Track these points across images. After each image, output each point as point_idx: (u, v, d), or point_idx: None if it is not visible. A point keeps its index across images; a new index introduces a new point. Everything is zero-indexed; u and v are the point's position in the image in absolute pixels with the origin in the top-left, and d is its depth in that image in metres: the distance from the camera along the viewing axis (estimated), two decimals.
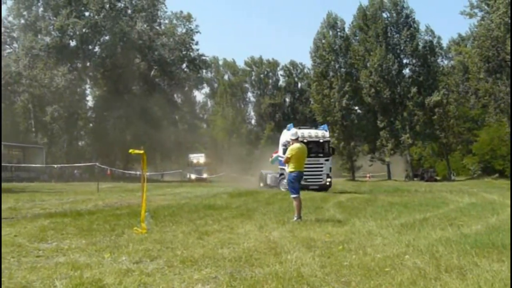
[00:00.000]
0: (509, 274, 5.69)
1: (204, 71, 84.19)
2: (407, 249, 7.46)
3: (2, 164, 37.51)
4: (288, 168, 12.54)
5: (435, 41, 67.03)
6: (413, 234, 9.18)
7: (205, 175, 58.78)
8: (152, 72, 71.46)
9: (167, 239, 8.60)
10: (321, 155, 30.38)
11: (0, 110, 53.78)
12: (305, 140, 28.77)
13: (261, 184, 34.40)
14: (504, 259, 6.68)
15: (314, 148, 29.56)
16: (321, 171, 30.28)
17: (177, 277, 5.71)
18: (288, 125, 30.69)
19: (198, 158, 63.49)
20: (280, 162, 30.85)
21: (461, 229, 9.96)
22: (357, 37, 67.10)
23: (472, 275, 5.70)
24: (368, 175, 69.27)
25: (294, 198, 12.21)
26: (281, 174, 30.15)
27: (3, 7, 60.86)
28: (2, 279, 5.46)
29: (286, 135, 30.42)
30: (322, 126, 33.34)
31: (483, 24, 55.15)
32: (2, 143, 42.42)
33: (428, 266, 6.15)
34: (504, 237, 8.55)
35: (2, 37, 59.66)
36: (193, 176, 57.31)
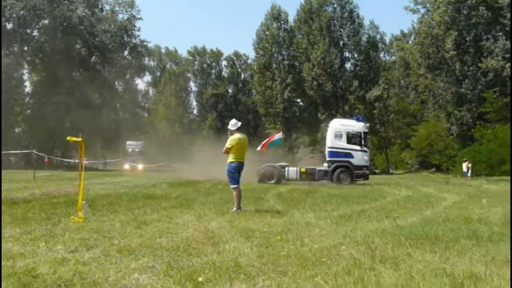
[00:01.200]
0: (440, 264, 5.88)
1: (146, 59, 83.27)
2: (344, 240, 7.58)
3: None
4: (229, 159, 12.46)
5: (378, 36, 68.23)
6: (351, 225, 9.34)
7: (140, 165, 55.69)
8: (93, 59, 70.07)
9: (104, 228, 8.49)
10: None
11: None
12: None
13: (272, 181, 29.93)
14: (436, 249, 6.88)
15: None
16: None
17: (114, 267, 5.65)
18: (358, 116, 31.63)
19: (135, 146, 61.04)
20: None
21: (397, 221, 10.20)
22: (301, 30, 67.44)
23: (405, 265, 5.85)
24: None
25: (233, 188, 12.20)
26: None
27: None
28: None
29: (352, 124, 30.89)
30: (358, 117, 33.40)
31: (424, 21, 56.45)
32: None
33: (363, 257, 6.27)
34: (438, 229, 8.82)
35: None
36: (126, 166, 54.34)
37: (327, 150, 31.14)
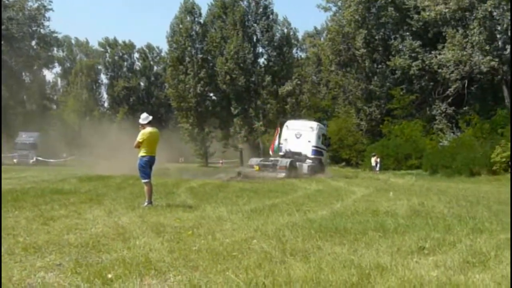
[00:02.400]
0: (349, 256, 6.04)
1: (55, 49, 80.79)
2: (255, 234, 7.65)
3: None
4: (140, 153, 12.27)
5: (291, 32, 68.98)
6: (262, 219, 9.44)
7: (32, 159, 51.46)
8: None
9: (8, 225, 8.18)
10: None
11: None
12: None
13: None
14: (345, 242, 7.07)
15: None
16: None
17: (18, 265, 5.47)
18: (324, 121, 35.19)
19: (25, 138, 55.37)
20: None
21: (307, 214, 10.40)
22: (215, 24, 67.25)
23: (315, 257, 5.97)
24: (221, 161, 70.12)
25: (145, 183, 12.07)
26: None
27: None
28: None
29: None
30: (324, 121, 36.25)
31: (335, 19, 57.70)
32: None
33: (274, 250, 6.35)
34: (347, 222, 9.07)
35: None
36: (14, 160, 51.00)
37: (312, 148, 33.28)
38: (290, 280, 4.89)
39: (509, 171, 28.90)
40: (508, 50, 42.54)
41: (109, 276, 5.03)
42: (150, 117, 12.65)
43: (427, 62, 46.93)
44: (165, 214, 10.06)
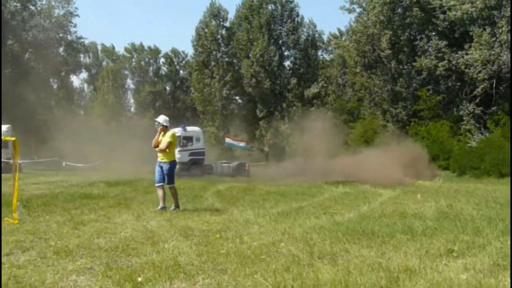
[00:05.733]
0: (376, 259, 6.03)
1: (82, 55, 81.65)
2: (283, 237, 7.67)
3: None
4: (170, 156, 12.25)
5: (316, 35, 68.83)
6: (289, 222, 9.46)
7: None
8: (26, 55, 68.23)
9: (40, 230, 8.32)
10: None
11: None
12: None
13: None
14: (373, 244, 7.05)
15: None
16: None
17: (51, 269, 5.56)
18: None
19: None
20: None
21: (334, 217, 10.38)
22: (241, 27, 67.35)
23: (342, 260, 5.97)
24: (247, 164, 70.24)
25: (172, 187, 12.12)
26: None
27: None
28: None
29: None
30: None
31: (360, 20, 57.36)
32: None
33: (302, 253, 6.36)
34: (374, 225, 9.03)
35: None
36: None
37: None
38: (319, 283, 4.90)
39: None
40: None
41: (139, 279, 5.09)
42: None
43: (453, 62, 46.41)
44: (193, 218, 10.13)
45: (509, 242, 7.14)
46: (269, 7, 64.97)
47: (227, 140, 38.89)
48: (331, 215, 10.65)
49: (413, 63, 50.48)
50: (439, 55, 47.71)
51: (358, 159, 33.09)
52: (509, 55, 41.99)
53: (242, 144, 40.85)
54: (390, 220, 9.88)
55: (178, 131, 36.39)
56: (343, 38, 72.16)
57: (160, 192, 12.01)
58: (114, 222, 9.49)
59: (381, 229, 8.41)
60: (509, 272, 5.46)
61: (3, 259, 5.98)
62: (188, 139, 37.67)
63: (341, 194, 17.45)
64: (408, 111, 52.90)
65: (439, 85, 50.11)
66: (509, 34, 41.77)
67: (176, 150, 35.81)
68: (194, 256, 6.21)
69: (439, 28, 48.75)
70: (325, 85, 63.66)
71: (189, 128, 38.62)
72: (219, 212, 11.35)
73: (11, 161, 36.56)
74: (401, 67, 54.29)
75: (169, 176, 12.14)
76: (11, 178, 13.00)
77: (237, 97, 69.36)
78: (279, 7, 64.93)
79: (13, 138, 10.13)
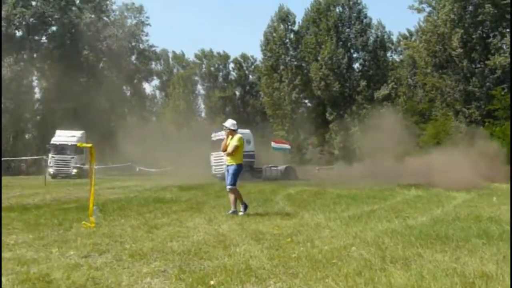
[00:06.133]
0: (451, 264, 5.89)
1: (153, 63, 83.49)
2: (354, 241, 7.61)
3: None
4: (237, 159, 12.24)
5: (385, 36, 68.05)
6: (360, 226, 9.36)
7: (74, 170, 42.11)
8: (101, 64, 70.41)
9: (115, 233, 8.56)
10: None
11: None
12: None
13: None
14: (447, 249, 6.89)
15: None
16: None
17: (126, 271, 5.71)
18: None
19: (66, 140, 43.26)
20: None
21: (406, 220, 10.21)
22: (309, 30, 67.25)
23: (415, 265, 5.87)
24: (317, 168, 69.88)
25: (234, 190, 12.09)
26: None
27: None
28: None
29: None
30: None
31: (430, 20, 56.26)
32: None
33: (374, 257, 6.29)
34: (448, 228, 8.83)
35: None
36: (50, 170, 40.51)
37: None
38: None
39: None
40: None
41: (212, 282, 5.16)
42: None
43: None
44: (264, 222, 10.16)
45: None
46: (337, 10, 64.68)
47: (273, 144, 39.01)
48: (404, 219, 10.48)
49: (486, 62, 49.07)
50: None
51: (431, 161, 32.32)
52: None
53: (287, 146, 40.99)
54: (465, 224, 9.65)
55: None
56: (413, 38, 70.80)
57: (231, 196, 12.06)
58: (187, 226, 9.64)
59: (455, 233, 8.23)
60: None
61: (82, 261, 6.19)
62: None
63: (414, 197, 17.14)
64: (482, 111, 51.40)
65: None
66: None
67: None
68: (266, 260, 6.23)
69: None
70: (395, 86, 62.76)
71: (240, 130, 38.21)
72: (289, 216, 11.33)
73: (86, 166, 37.83)
74: (473, 66, 52.83)
75: (231, 177, 12.10)
76: (87, 183, 13.40)
77: (306, 101, 69.33)
78: (347, 9, 64.53)
79: (90, 145, 10.46)
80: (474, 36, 51.33)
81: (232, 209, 11.82)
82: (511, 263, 5.10)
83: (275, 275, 5.47)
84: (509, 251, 6.67)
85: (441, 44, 53.32)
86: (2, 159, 47.67)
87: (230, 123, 12.60)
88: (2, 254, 6.73)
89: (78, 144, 11.54)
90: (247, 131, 39.57)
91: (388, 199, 16.17)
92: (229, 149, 12.24)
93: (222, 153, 37.51)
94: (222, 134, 37.55)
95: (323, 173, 49.10)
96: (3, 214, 11.31)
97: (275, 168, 39.32)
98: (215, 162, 38.12)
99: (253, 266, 5.87)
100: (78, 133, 44.22)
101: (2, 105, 58.07)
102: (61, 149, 43.06)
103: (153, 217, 11.02)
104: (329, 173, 47.20)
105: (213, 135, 39.19)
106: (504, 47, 47.66)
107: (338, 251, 6.75)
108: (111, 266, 5.97)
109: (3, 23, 60.12)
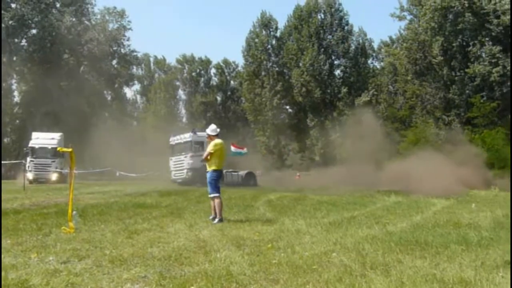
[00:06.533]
0: (430, 270, 5.94)
1: (135, 67, 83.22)
2: (335, 247, 7.64)
3: None
4: (210, 166, 12.01)
5: (366, 43, 68.50)
6: (341, 232, 9.41)
7: (55, 174, 40.49)
8: (82, 68, 70.01)
9: (95, 239, 8.51)
10: None
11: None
12: None
13: None
14: (426, 255, 6.94)
15: None
16: None
17: (106, 277, 5.68)
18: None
19: (45, 142, 41.91)
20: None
21: (387, 227, 10.28)
22: (291, 37, 67.47)
23: (396, 271, 5.91)
24: (298, 174, 70.06)
25: (214, 197, 11.85)
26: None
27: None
28: None
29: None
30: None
31: (411, 27, 56.73)
32: None
33: (354, 263, 6.32)
34: (427, 235, 8.90)
35: None
36: (29, 175, 38.10)
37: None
38: None
39: None
40: None
41: None
42: (218, 129, 12.56)
43: (508, 68, 45.41)
44: (245, 228, 10.16)
45: None
46: (319, 16, 64.97)
47: (232, 148, 38.63)
48: (384, 225, 10.55)
49: (466, 70, 49.57)
50: (493, 60, 46.76)
51: (410, 167, 32.53)
52: None
53: (244, 150, 40.76)
54: (444, 230, 9.73)
55: (189, 136, 36.81)
56: (394, 46, 71.37)
57: (211, 203, 11.99)
58: (167, 231, 9.62)
59: (434, 239, 8.30)
60: None
61: (61, 267, 6.15)
62: (200, 144, 36.01)
63: (393, 204, 17.24)
64: (462, 118, 51.95)
65: (494, 91, 49.04)
66: None
67: (188, 156, 35.52)
68: (246, 266, 6.24)
69: (493, 33, 47.76)
70: (375, 93, 63.14)
71: (199, 133, 36.94)
72: (270, 221, 11.35)
73: (65, 170, 37.28)
74: (453, 73, 53.36)
75: (209, 185, 11.97)
76: (67, 188, 13.31)
77: (287, 107, 69.46)
78: (329, 16, 64.84)
79: (70, 149, 10.38)
80: (454, 44, 51.86)
81: (213, 214, 11.74)
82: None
83: (256, 281, 5.47)
84: (490, 256, 6.74)
85: (421, 51, 53.83)
86: None
87: (210, 128, 12.54)
88: None
89: (59, 149, 11.38)
90: (204, 133, 38.63)
91: (368, 205, 16.25)
92: (204, 154, 12.21)
93: (181, 158, 37.23)
94: (180, 138, 37.37)
95: (303, 179, 49.17)
96: None
97: (236, 173, 38.62)
98: (174, 167, 37.87)
99: (234, 272, 5.87)
100: (57, 135, 43.11)
101: None
102: (40, 152, 41.41)
103: (134, 222, 10.97)
104: (309, 179, 47.26)
105: (171, 139, 39.17)
106: (484, 55, 48.17)
107: (319, 257, 6.77)
108: (90, 272, 5.94)
109: None
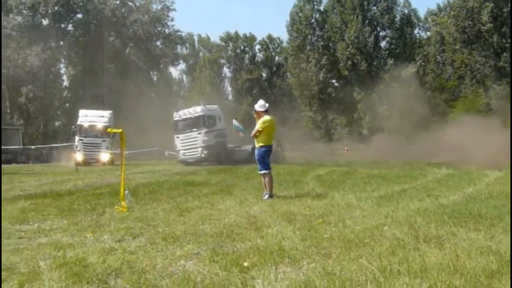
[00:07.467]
0: (485, 242, 5.83)
1: (179, 47, 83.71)
2: (386, 221, 7.55)
3: None
4: (258, 143, 11.79)
5: (412, 13, 67.22)
6: (392, 205, 9.29)
7: (106, 155, 38.16)
8: (127, 50, 70.85)
9: (148, 217, 8.65)
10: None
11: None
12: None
13: None
14: (481, 227, 6.80)
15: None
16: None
17: (160, 254, 5.76)
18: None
19: (94, 120, 39.30)
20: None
21: (438, 199, 10.09)
22: (335, 10, 66.68)
23: (449, 244, 5.80)
24: (346, 148, 69.62)
25: (264, 174, 11.65)
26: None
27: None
28: None
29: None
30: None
31: None
32: None
33: (406, 237, 6.24)
34: (481, 207, 8.71)
35: None
36: (78, 156, 36.17)
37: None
38: (426, 267, 4.80)
39: None
40: None
41: (245, 264, 5.17)
42: (267, 105, 12.17)
43: None
44: (295, 203, 10.14)
45: None
46: None
47: (234, 122, 36.55)
48: (435, 198, 10.36)
49: None
50: None
51: (461, 139, 31.92)
52: None
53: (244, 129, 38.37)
54: (498, 201, 9.50)
55: (200, 110, 34.08)
56: (441, 14, 69.77)
57: (262, 179, 11.95)
58: (218, 208, 9.68)
59: (488, 211, 8.10)
60: None
61: (116, 245, 6.27)
62: (212, 118, 34.38)
63: (445, 176, 16.93)
64: None
65: None
66: None
67: (202, 132, 33.63)
68: (298, 240, 6.23)
69: None
70: (423, 64, 62.06)
71: (209, 106, 35.00)
72: (320, 196, 11.29)
73: (117, 151, 37.32)
74: (504, 41, 51.89)
75: (259, 162, 11.81)
76: (118, 169, 13.52)
77: (333, 80, 68.87)
78: None
79: (120, 130, 10.53)
80: (504, 10, 50.37)
81: (265, 192, 11.61)
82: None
83: (308, 256, 5.46)
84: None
85: (470, 19, 52.48)
86: (33, 146, 48.46)
87: (259, 104, 12.23)
88: (39, 240, 6.89)
89: (108, 130, 11.56)
90: (215, 106, 36.80)
91: (418, 178, 16.02)
92: (252, 132, 11.95)
93: (193, 135, 33.64)
94: (188, 113, 34.95)
95: (351, 153, 48.87)
96: (37, 200, 11.53)
97: (244, 148, 35.32)
98: (183, 146, 34.73)
99: (285, 247, 5.87)
100: (107, 113, 40.28)
101: (31, 94, 58.91)
102: (89, 131, 38.60)
103: (184, 200, 11.09)
104: (358, 153, 46.93)
105: (175, 114, 36.40)
106: None
107: (371, 231, 6.71)
108: (145, 249, 6.03)
109: (29, 12, 60.86)
